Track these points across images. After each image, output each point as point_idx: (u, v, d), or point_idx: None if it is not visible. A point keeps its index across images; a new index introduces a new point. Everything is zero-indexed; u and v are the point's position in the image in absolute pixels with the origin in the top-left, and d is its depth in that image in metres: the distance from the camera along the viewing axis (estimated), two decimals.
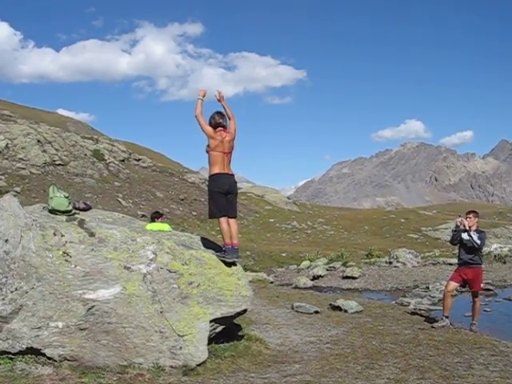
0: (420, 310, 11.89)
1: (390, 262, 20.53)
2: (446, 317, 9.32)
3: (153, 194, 41.84)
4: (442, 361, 7.17)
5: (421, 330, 9.26)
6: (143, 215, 33.41)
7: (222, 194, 7.06)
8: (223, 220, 7.12)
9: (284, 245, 37.45)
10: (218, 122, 7.20)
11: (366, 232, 52.88)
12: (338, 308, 11.22)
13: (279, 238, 43.12)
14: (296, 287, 17.08)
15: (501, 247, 26.51)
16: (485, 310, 11.54)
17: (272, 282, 18.52)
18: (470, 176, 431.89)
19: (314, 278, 18.82)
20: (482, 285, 9.48)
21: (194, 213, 41.42)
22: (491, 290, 14.56)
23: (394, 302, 13.23)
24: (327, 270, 19.68)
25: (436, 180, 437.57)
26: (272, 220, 51.44)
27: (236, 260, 7.16)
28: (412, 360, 7.20)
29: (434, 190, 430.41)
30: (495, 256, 21.31)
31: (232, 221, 7.23)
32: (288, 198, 76.44)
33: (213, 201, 7.09)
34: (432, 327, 9.38)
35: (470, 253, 9.32)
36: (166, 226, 8.08)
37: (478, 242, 9.28)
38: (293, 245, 38.65)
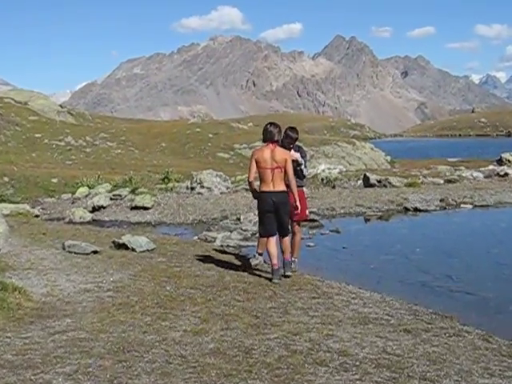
0: (228, 246, 12.55)
1: (193, 188, 21.14)
2: (260, 254, 9.91)
3: None
4: (252, 306, 7.65)
5: (228, 270, 9.75)
6: None
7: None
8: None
9: (55, 168, 36.45)
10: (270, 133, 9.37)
11: (164, 150, 53.60)
12: (124, 246, 11.38)
13: (48, 158, 41.82)
14: (70, 222, 17.07)
15: (329, 169, 28.92)
16: (307, 245, 12.54)
17: (38, 216, 18.35)
18: (297, 81, 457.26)
19: (95, 209, 18.89)
20: (306, 212, 10.23)
21: None
22: (316, 220, 15.85)
23: (196, 237, 13.79)
24: (111, 198, 19.83)
25: (254, 85, 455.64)
26: (39, 135, 49.43)
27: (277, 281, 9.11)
28: (215, 307, 7.56)
29: (252, 97, 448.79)
30: (322, 179, 23.18)
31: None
32: (61, 106, 73.83)
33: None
34: (242, 266, 9.95)
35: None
36: None
37: (299, 158, 9.94)
38: (67, 168, 37.82)
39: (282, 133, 9.66)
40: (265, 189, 9.33)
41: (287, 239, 9.58)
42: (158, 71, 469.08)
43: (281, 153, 9.30)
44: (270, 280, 9.12)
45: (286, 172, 9.25)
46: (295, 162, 9.78)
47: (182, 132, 60.16)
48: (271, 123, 9.55)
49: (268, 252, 9.42)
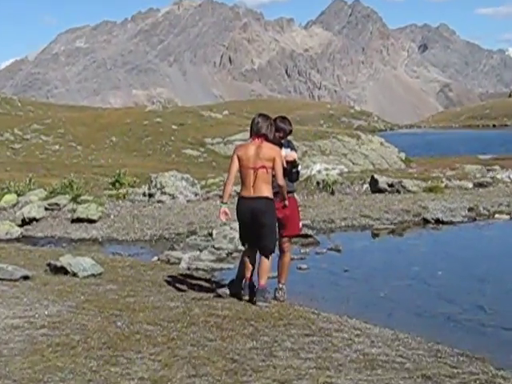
0: (198, 269, 12.54)
1: (151, 195, 21.12)
2: (240, 279, 9.90)
3: None
4: (227, 347, 7.63)
5: (196, 300, 9.75)
6: None
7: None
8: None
9: None
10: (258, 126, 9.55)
11: (114, 147, 53.48)
12: (63, 270, 11.33)
13: None
14: None
15: (327, 169, 28.97)
16: (299, 268, 12.56)
17: None
18: (285, 56, 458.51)
19: (25, 222, 18.76)
20: (299, 226, 10.28)
21: None
22: (310, 235, 15.86)
23: (155, 258, 13.80)
24: (47, 209, 19.73)
25: (230, 62, 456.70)
26: None
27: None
28: (180, 348, 7.53)
29: (228, 77, 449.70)
30: (318, 183, 23.19)
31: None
32: None
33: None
34: (215, 296, 9.96)
35: (284, 176, 9.92)
36: None
37: (297, 158, 10.01)
38: None
39: (274, 128, 9.69)
40: (243, 194, 9.49)
41: (267, 261, 9.65)
42: (106, 44, 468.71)
43: (269, 149, 9.38)
44: (254, 303, 9.34)
45: (274, 173, 9.34)
46: (290, 164, 9.81)
47: (137, 123, 60.05)
48: (261, 115, 9.70)
49: (241, 265, 9.89)
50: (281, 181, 9.38)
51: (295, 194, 10.61)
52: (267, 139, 9.48)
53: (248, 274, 9.75)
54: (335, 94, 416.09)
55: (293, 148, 10.22)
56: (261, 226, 9.48)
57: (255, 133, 9.45)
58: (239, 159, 9.40)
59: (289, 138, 10.38)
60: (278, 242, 9.91)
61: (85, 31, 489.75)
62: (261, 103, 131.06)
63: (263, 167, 9.30)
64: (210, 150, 52.41)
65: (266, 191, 9.35)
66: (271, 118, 9.66)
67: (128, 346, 7.55)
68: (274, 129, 9.74)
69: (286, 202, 9.58)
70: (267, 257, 9.60)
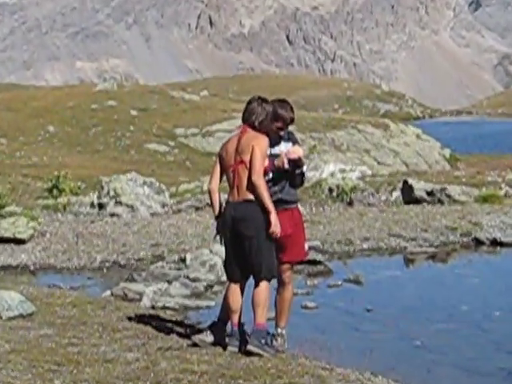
0: (166, 308, 12.55)
1: (102, 206, 21.11)
2: (224, 322, 9.87)
3: None
4: None
5: (164, 351, 9.72)
6: None
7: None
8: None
9: None
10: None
11: (52, 139, 53.29)
12: None
13: None
14: None
15: (343, 171, 29.03)
16: (305, 307, 12.61)
17: None
18: (286, 17, 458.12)
19: None
20: (305, 248, 10.20)
21: None
22: (320, 262, 15.88)
23: (108, 292, 13.77)
24: None
25: (211, 24, 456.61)
26: None
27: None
28: None
29: (207, 45, 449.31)
30: (331, 190, 23.22)
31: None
32: None
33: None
34: (190, 345, 9.91)
35: (282, 180, 9.88)
36: None
37: (302, 155, 9.94)
38: None
39: (271, 112, 9.67)
40: (228, 199, 9.60)
41: (263, 289, 9.54)
42: (41, 0, 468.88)
43: (248, 138, 9.44)
44: (245, 350, 9.33)
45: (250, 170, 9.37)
46: (292, 163, 9.74)
47: (83, 107, 60.02)
48: (260, 98, 9.76)
49: (225, 303, 9.72)
50: (256, 176, 9.29)
51: (299, 205, 10.57)
52: (256, 129, 9.52)
53: (235, 317, 9.64)
54: (354, 68, 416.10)
55: (296, 142, 10.15)
56: (246, 240, 9.44)
57: (244, 121, 9.53)
58: (220, 159, 9.51)
59: (290, 128, 10.34)
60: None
61: None
62: (252, 80, 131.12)
63: (242, 162, 9.37)
64: (183, 145, 52.41)
65: (250, 193, 9.39)
66: (272, 103, 9.68)
67: None
68: (272, 116, 9.72)
69: (272, 217, 9.26)
70: (263, 284, 9.49)
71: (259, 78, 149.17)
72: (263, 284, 9.48)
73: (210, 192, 9.70)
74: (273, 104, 9.86)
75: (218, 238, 9.94)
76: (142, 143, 52.24)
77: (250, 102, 9.69)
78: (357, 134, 55.18)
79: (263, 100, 9.70)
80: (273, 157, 9.75)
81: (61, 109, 59.89)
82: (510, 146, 58.46)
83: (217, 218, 9.68)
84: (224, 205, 9.64)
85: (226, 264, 9.87)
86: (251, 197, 9.35)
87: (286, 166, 9.59)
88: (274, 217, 9.21)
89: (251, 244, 9.42)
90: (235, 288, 9.65)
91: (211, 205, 9.90)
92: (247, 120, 9.51)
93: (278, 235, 9.36)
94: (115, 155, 48.90)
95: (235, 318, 9.62)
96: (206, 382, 8.55)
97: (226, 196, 9.86)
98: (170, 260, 16.20)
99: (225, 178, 9.63)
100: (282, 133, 9.85)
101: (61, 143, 51.81)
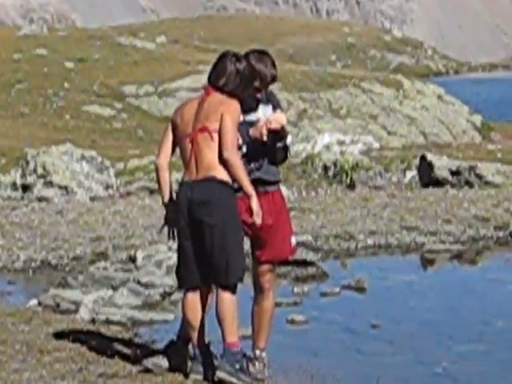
0: (109, 321, 12.64)
1: (27, 187, 21.12)
2: (186, 342, 9.90)
3: None
4: None
5: (107, 378, 9.70)
6: None
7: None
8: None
9: None
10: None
11: None
12: None
13: None
14: None
15: (342, 144, 29.13)
16: (290, 321, 12.72)
17: None
18: None
19: None
20: (292, 243, 10.18)
21: None
22: (311, 262, 16.00)
23: (34, 300, 13.73)
24: None
25: None
26: None
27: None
28: None
29: None
30: (326, 168, 23.32)
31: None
32: None
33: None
34: (141, 371, 9.87)
35: (260, 155, 9.88)
36: None
37: (284, 123, 9.91)
38: None
39: (248, 73, 9.61)
40: (184, 178, 9.38)
41: (229, 299, 9.36)
42: None
43: (214, 103, 9.37)
44: (213, 377, 9.20)
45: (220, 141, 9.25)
46: (272, 134, 9.72)
47: (3, 57, 60.02)
48: (235, 55, 9.64)
49: (183, 318, 9.52)
50: (229, 152, 9.12)
51: (281, 187, 10.54)
52: (226, 92, 9.44)
53: (195, 335, 9.46)
54: (358, 7, 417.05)
55: (277, 106, 10.11)
56: (207, 231, 9.19)
57: (209, 82, 9.48)
58: (174, 126, 9.43)
59: (270, 88, 10.27)
60: (253, 276, 9.83)
61: None
62: (225, 23, 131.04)
63: (204, 130, 9.22)
64: (134, 108, 52.38)
65: (217, 169, 9.22)
66: (247, 56, 9.67)
67: None
68: (248, 73, 9.65)
69: (253, 203, 9.08)
70: (230, 292, 9.28)
71: (233, 20, 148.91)
72: (229, 291, 9.25)
73: (157, 169, 9.46)
74: (248, 57, 9.74)
75: (165, 229, 9.66)
76: (79, 105, 52.06)
77: (221, 58, 9.55)
78: (360, 94, 55.15)
79: (239, 59, 9.55)
80: (247, 125, 9.71)
81: None
82: None
83: (166, 203, 9.44)
84: (177, 186, 9.46)
85: (178, 266, 9.48)
86: (214, 174, 9.12)
87: (265, 137, 9.51)
88: (255, 203, 9.00)
89: (213, 236, 9.15)
90: (193, 297, 9.42)
91: (158, 186, 9.61)
92: (214, 81, 9.43)
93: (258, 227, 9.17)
94: (44, 120, 48.73)
95: (196, 337, 9.39)
96: None
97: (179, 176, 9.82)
98: (115, 259, 16.20)
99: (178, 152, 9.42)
100: (259, 95, 9.78)
101: None
